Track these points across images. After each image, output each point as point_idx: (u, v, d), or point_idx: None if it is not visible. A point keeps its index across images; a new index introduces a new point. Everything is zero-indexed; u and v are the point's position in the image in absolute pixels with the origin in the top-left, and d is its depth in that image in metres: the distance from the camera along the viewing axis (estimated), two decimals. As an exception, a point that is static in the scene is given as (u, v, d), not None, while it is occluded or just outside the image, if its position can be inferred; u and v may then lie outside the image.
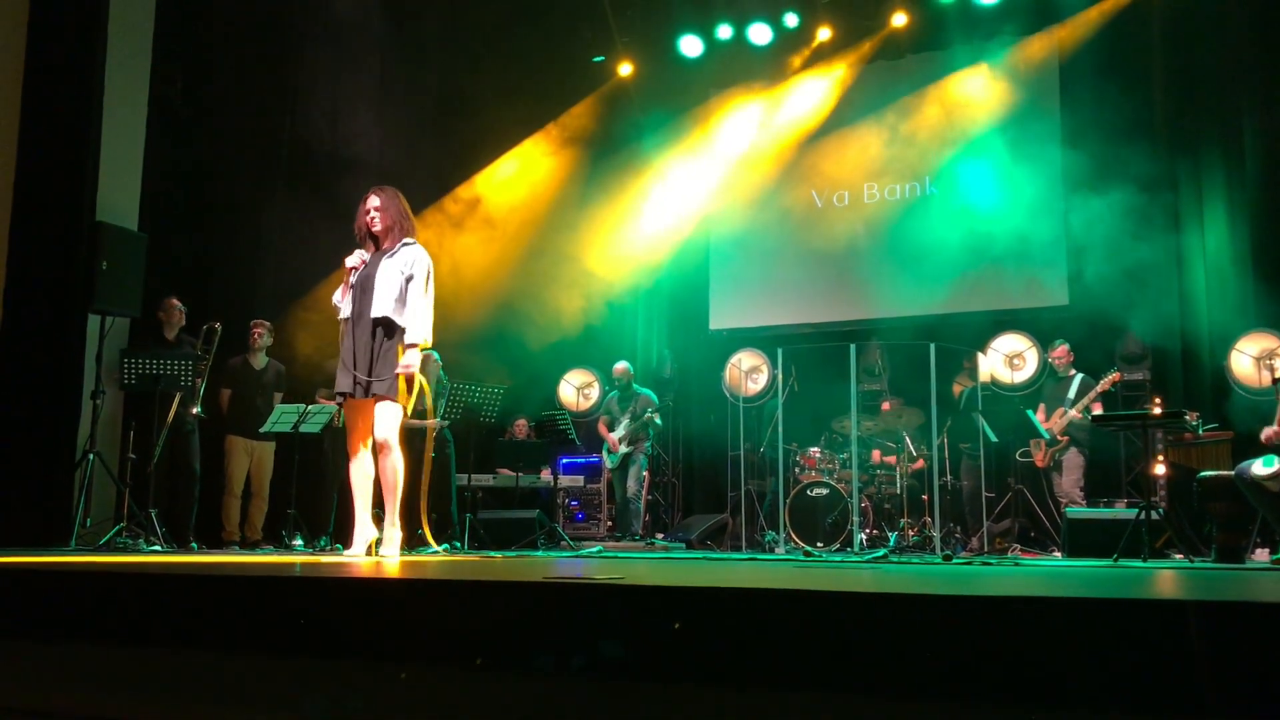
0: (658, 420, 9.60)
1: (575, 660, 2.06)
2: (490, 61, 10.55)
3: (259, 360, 8.27)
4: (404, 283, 5.22)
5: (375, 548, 5.37)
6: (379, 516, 5.39)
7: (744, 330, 10.69)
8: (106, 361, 7.26)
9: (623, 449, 9.50)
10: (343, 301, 5.30)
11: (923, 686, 1.83)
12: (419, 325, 5.21)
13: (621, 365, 9.77)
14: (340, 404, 5.40)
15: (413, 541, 6.52)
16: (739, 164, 10.79)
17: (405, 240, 5.31)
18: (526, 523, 8.50)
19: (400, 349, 5.20)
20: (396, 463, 5.21)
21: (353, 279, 5.25)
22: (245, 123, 9.09)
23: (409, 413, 5.42)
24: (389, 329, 5.20)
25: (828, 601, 2.02)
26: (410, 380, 5.24)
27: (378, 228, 5.30)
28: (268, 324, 8.32)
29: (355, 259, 5.28)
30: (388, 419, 5.17)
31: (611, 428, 9.69)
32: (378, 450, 5.20)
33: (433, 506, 7.18)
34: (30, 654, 2.58)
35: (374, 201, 5.32)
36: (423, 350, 5.29)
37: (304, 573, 2.96)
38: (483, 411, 7.99)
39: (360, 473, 5.27)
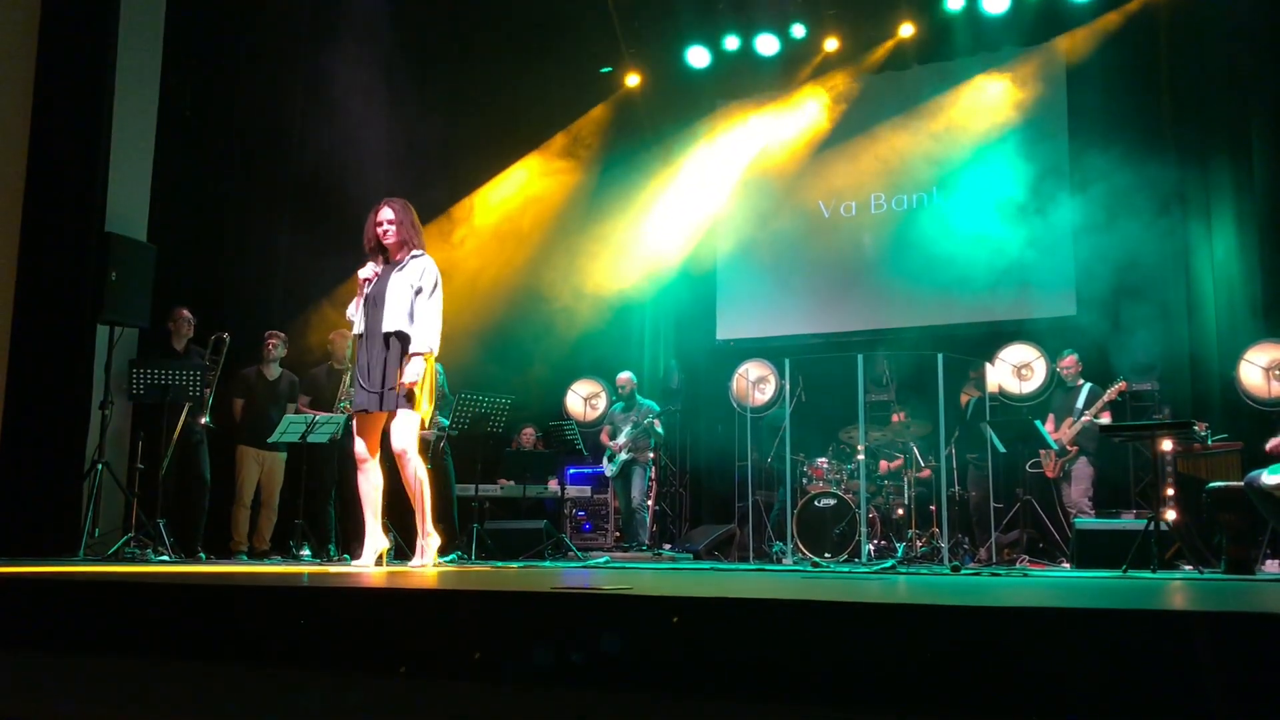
0: (659, 428, 9.59)
1: (580, 670, 2.06)
2: (498, 73, 10.58)
3: (272, 371, 8.27)
4: (414, 295, 5.22)
5: (385, 558, 5.37)
6: (389, 526, 5.38)
7: (751, 340, 10.67)
8: (115, 372, 7.26)
9: (624, 455, 9.49)
10: (356, 315, 5.30)
11: (932, 698, 1.83)
12: (424, 334, 5.19)
13: (625, 375, 9.78)
14: (351, 415, 5.40)
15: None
16: (746, 174, 10.81)
17: (414, 252, 5.31)
18: (533, 533, 8.49)
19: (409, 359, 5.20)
20: (419, 470, 5.21)
21: (366, 290, 5.27)
22: (255, 134, 9.12)
23: (426, 423, 5.38)
24: (402, 342, 5.20)
25: (836, 612, 2.01)
26: (416, 392, 5.21)
27: (390, 240, 5.30)
28: (282, 335, 8.31)
29: (368, 271, 5.28)
30: (404, 429, 5.17)
31: (613, 437, 9.70)
32: (398, 460, 5.20)
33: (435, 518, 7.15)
34: (38, 664, 2.58)
35: (386, 214, 5.30)
36: (427, 360, 5.28)
37: (312, 583, 2.96)
38: (490, 421, 7.99)
39: (369, 483, 5.28)
